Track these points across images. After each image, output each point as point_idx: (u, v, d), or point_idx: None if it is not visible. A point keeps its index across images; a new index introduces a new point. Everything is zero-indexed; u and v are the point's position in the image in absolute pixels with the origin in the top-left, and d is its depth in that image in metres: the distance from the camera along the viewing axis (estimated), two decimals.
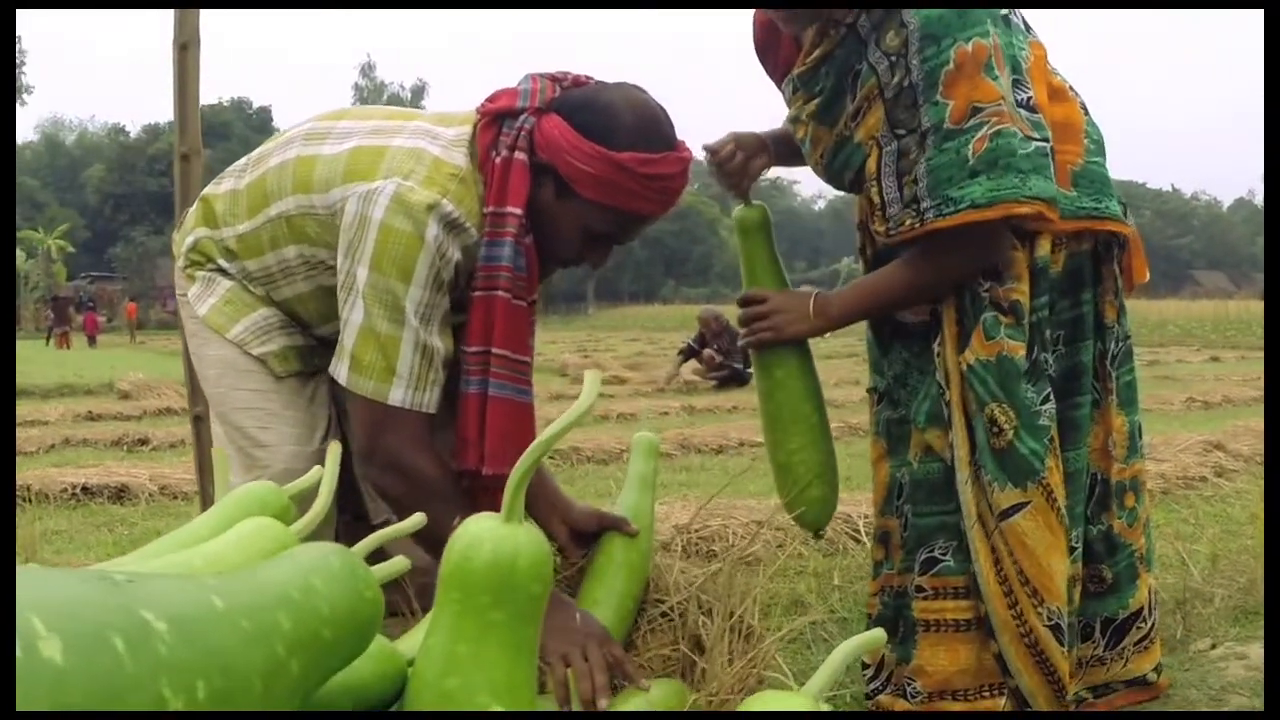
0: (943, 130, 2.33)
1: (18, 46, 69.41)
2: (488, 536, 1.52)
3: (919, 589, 2.62)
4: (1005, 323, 2.46)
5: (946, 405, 2.53)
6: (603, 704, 2.06)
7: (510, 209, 2.44)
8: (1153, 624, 2.78)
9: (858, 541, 4.89)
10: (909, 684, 2.63)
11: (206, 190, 2.83)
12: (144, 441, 9.28)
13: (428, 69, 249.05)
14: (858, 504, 5.35)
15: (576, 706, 2.08)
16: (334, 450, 1.91)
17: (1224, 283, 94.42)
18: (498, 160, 2.45)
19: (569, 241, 2.52)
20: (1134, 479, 2.72)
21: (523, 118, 2.47)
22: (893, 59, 2.39)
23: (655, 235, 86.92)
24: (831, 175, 2.67)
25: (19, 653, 0.76)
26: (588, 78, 2.59)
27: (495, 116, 2.50)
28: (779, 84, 2.79)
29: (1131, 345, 2.73)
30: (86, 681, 0.80)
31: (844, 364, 17.71)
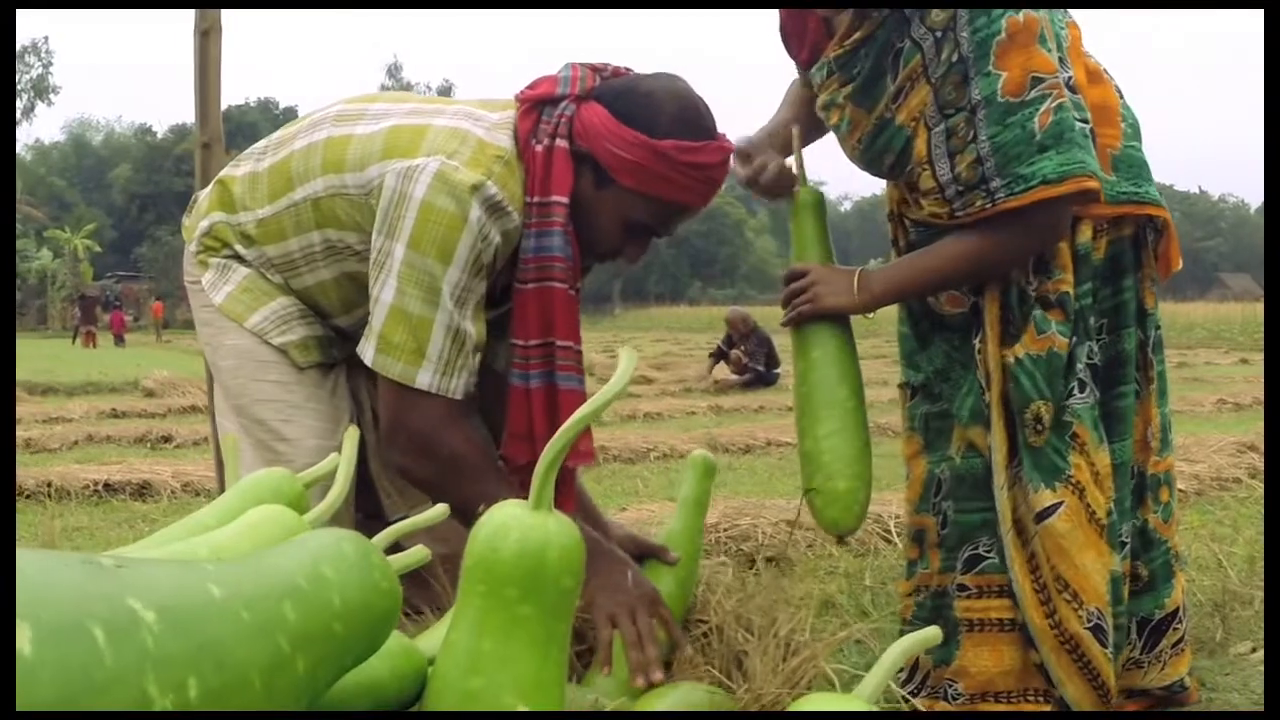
0: (997, 103, 2.25)
1: (44, 47, 70.00)
2: (515, 525, 1.41)
3: (961, 588, 2.55)
4: (1055, 318, 2.40)
5: (986, 406, 2.48)
6: (656, 678, 2.02)
7: (555, 198, 2.40)
8: (1186, 626, 2.71)
9: (889, 542, 4.83)
10: (950, 686, 2.55)
11: (223, 173, 2.76)
12: (167, 439, 9.26)
13: (453, 70, 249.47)
14: (887, 504, 5.29)
15: (620, 672, 2.06)
16: (351, 435, 1.81)
17: (1251, 285, 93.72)
18: (539, 148, 2.41)
19: (608, 233, 2.47)
20: (1167, 473, 2.66)
21: (563, 105, 2.43)
22: (939, 34, 2.31)
23: (682, 236, 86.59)
24: (870, 160, 2.57)
25: None
26: (627, 69, 2.54)
27: (535, 103, 2.46)
28: (803, 67, 2.72)
29: (1162, 334, 2.68)
30: (57, 675, 0.71)
31: (872, 364, 17.58)
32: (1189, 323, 34.58)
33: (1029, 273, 2.41)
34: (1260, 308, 38.98)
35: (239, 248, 2.65)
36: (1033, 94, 2.24)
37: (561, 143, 2.40)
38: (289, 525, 1.52)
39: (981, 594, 2.53)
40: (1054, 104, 2.25)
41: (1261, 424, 8.64)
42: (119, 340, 38.35)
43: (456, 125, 2.43)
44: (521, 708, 1.24)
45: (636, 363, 1.41)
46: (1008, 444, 2.45)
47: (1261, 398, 12.50)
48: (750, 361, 15.28)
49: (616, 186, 2.38)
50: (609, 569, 2.20)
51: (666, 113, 2.36)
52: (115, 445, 9.05)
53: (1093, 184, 2.28)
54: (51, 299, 61.19)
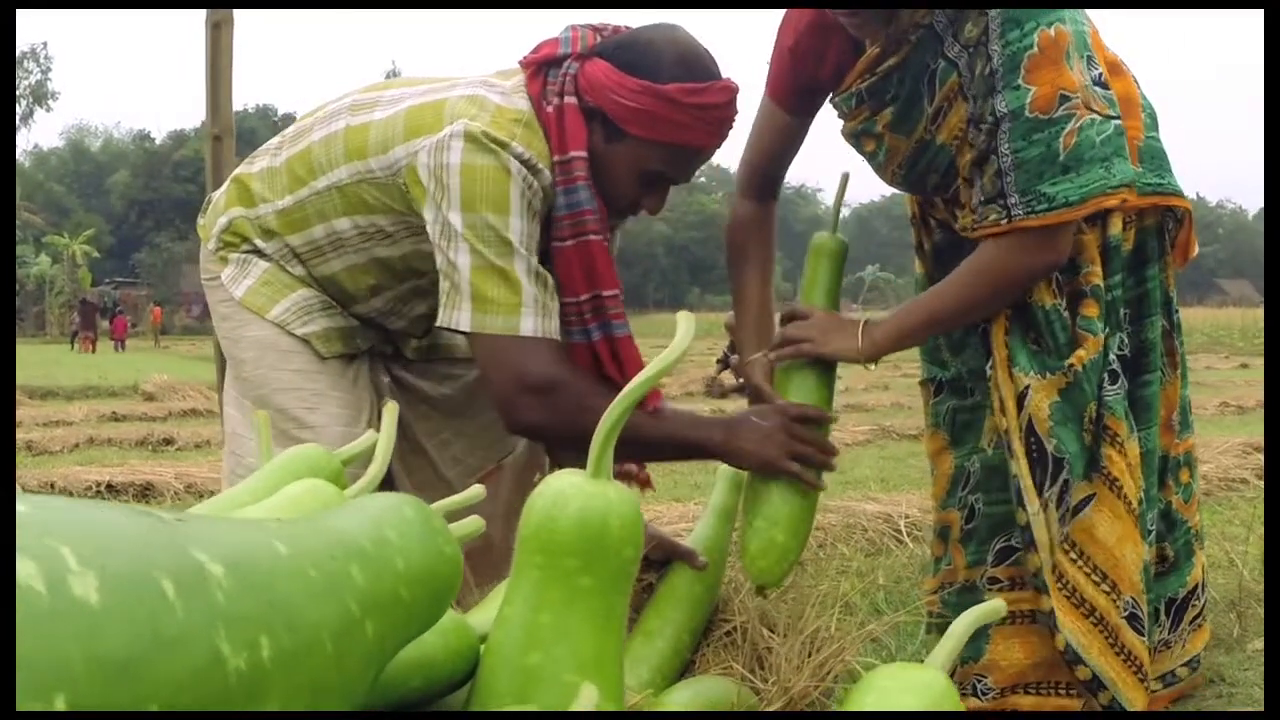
0: (1025, 119, 2.23)
1: (44, 52, 70.04)
2: (574, 493, 1.35)
3: (993, 580, 2.53)
4: (1092, 313, 2.39)
5: (1005, 434, 2.44)
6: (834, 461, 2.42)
7: (573, 153, 2.39)
8: (1204, 601, 2.74)
9: (900, 542, 4.83)
10: (979, 681, 2.53)
11: (239, 170, 2.75)
12: (169, 441, 9.25)
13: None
14: (897, 504, 5.31)
15: (638, 672, 2.10)
16: (390, 410, 1.75)
17: (1250, 291, 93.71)
18: (550, 109, 2.40)
19: (625, 185, 2.45)
20: (1187, 453, 2.68)
21: (566, 64, 2.43)
22: (971, 50, 2.29)
23: (680, 243, 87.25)
24: (912, 182, 2.57)
25: (41, 588, 0.61)
26: (626, 27, 2.53)
27: (540, 66, 2.46)
28: (811, 91, 2.64)
29: (1181, 319, 2.70)
30: (128, 627, 0.66)
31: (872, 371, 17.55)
32: (1188, 328, 34.25)
33: (1056, 289, 2.40)
34: (1259, 313, 39.06)
35: (259, 242, 2.64)
36: (1059, 112, 2.22)
37: (570, 100, 2.39)
38: (330, 501, 1.45)
39: (1013, 586, 2.50)
40: (1078, 124, 2.23)
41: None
42: (119, 345, 38.34)
43: (473, 93, 2.43)
44: (582, 684, 1.18)
45: (693, 329, 1.36)
46: (1032, 472, 2.41)
47: (1264, 400, 12.52)
48: None
49: (627, 137, 2.38)
50: (738, 430, 2.38)
51: (668, 58, 2.35)
52: (116, 448, 9.03)
53: (1110, 201, 2.27)
54: (50, 304, 61.14)
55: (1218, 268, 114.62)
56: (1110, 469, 2.41)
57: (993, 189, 2.29)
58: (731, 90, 2.41)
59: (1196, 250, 2.68)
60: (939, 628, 2.61)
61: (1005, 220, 2.28)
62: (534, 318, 2.32)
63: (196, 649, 0.70)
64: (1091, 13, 2.46)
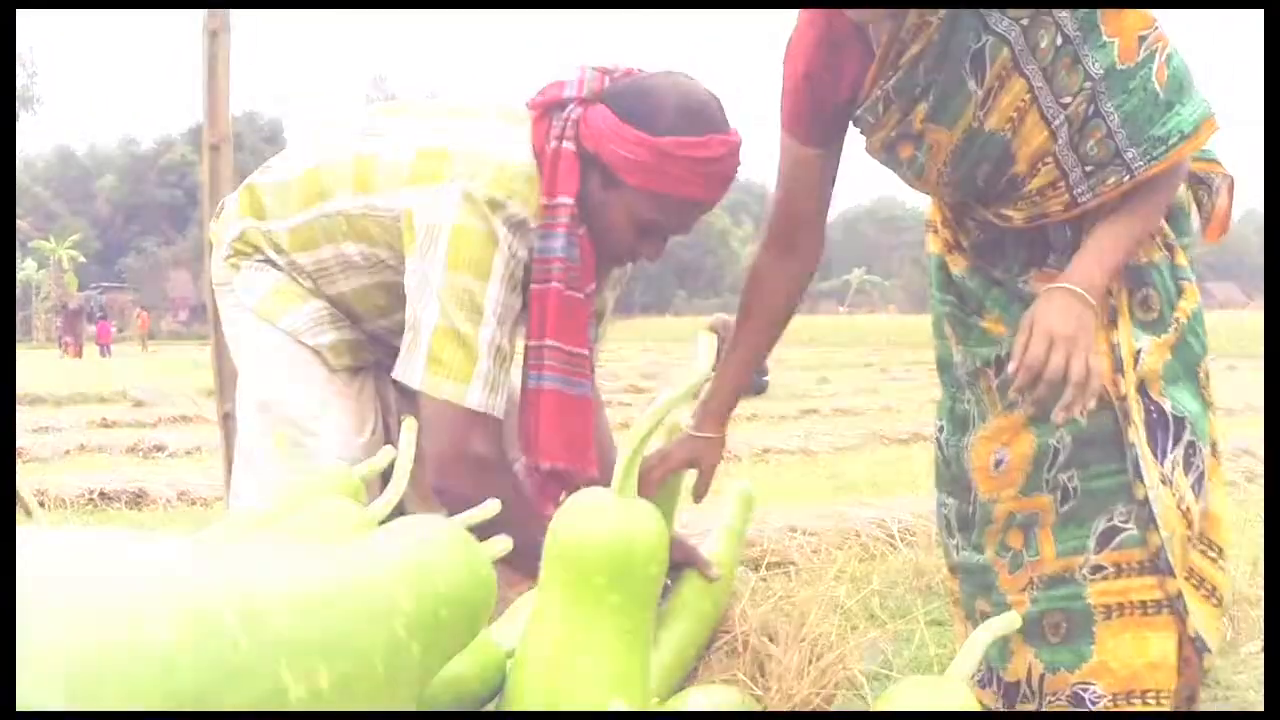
0: (1118, 72, 2.14)
1: (29, 58, 69.84)
2: (603, 512, 1.37)
3: (1096, 569, 2.28)
4: (1187, 263, 2.36)
5: (1122, 399, 2.24)
6: None
7: (561, 199, 2.39)
8: None
9: (893, 547, 4.82)
10: (1084, 689, 2.28)
11: (252, 178, 2.74)
12: (160, 448, 9.21)
13: (439, 81, 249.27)
14: (890, 509, 5.29)
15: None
16: (409, 426, 1.77)
17: (1236, 293, 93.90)
18: (548, 152, 2.41)
19: (621, 233, 2.46)
20: None
21: (570, 108, 2.43)
22: (1025, 22, 2.15)
23: (666, 246, 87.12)
24: (961, 180, 2.35)
25: (124, 632, 0.62)
26: (639, 70, 2.52)
27: (545, 109, 2.46)
28: (834, 114, 2.41)
29: None
30: (197, 662, 0.67)
31: (861, 373, 17.57)
32: None
33: (1160, 243, 2.33)
34: (1245, 315, 39.05)
35: (270, 253, 2.65)
36: (1143, 53, 2.14)
37: (568, 145, 2.40)
38: (356, 519, 1.47)
39: (1120, 573, 2.27)
40: (1164, 57, 2.16)
41: (1253, 430, 8.66)
42: (104, 350, 38.23)
43: (478, 147, 2.43)
44: (613, 699, 1.19)
45: (716, 348, 1.38)
46: (1151, 439, 2.25)
47: (1252, 403, 12.50)
48: None
49: (624, 186, 2.38)
50: None
51: (667, 109, 2.35)
52: (107, 454, 8.98)
53: (1215, 125, 2.22)
54: (36, 310, 61.00)
55: (1204, 271, 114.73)
56: (1210, 431, 2.31)
57: (1105, 152, 2.18)
58: (731, 144, 2.39)
59: (1219, 235, 2.51)
60: (1031, 627, 2.33)
61: (1128, 178, 2.17)
62: (482, 392, 2.33)
63: (261, 680, 0.71)
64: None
